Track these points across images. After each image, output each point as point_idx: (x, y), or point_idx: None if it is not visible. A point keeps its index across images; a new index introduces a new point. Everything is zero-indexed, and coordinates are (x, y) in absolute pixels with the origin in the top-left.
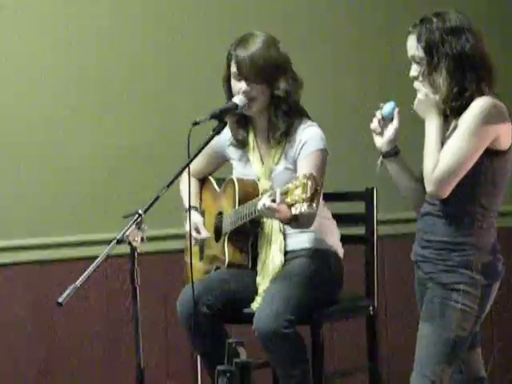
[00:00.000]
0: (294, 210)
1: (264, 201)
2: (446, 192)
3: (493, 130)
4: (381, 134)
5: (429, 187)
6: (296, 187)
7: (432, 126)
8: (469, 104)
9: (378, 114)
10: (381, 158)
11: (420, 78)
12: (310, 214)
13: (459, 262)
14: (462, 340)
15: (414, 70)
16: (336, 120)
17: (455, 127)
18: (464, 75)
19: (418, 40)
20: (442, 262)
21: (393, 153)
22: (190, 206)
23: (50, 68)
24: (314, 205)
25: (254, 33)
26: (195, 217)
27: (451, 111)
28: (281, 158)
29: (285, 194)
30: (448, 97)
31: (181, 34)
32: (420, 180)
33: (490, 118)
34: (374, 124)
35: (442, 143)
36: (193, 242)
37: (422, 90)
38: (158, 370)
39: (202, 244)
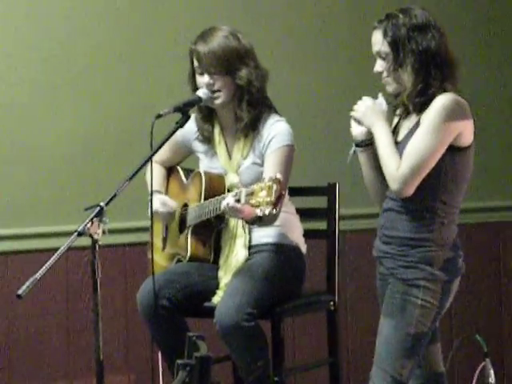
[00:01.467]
0: (258, 212)
1: (228, 200)
2: (411, 190)
3: (455, 127)
4: (360, 122)
5: (394, 186)
6: (261, 189)
7: (384, 130)
8: (431, 100)
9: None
10: (354, 147)
11: (385, 74)
12: (274, 215)
13: (420, 258)
14: (421, 335)
15: (379, 66)
16: (299, 115)
17: (418, 123)
18: (429, 72)
19: (384, 35)
20: (403, 258)
21: (368, 142)
22: (152, 196)
23: (11, 57)
24: (278, 208)
25: (215, 27)
26: (160, 196)
27: (414, 107)
28: (249, 152)
29: (250, 194)
30: (412, 93)
31: (147, 24)
32: None
33: (452, 115)
34: (351, 112)
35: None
36: (162, 217)
37: (362, 103)
38: (118, 362)
39: (171, 218)
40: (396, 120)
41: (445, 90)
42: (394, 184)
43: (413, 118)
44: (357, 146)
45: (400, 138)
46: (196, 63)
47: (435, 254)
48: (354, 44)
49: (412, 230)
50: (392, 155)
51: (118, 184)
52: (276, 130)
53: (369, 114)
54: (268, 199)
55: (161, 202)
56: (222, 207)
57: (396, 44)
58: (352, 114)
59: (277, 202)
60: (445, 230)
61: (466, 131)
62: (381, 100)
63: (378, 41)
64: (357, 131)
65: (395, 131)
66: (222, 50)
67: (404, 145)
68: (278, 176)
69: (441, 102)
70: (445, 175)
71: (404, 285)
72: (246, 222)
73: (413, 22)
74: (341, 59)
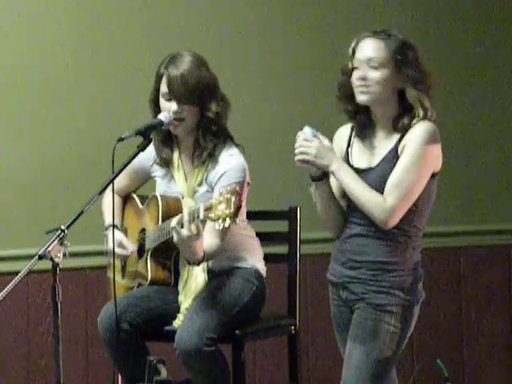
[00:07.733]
0: (218, 226)
1: (172, 222)
2: (398, 220)
3: (437, 152)
4: (307, 162)
5: (382, 217)
6: (220, 202)
7: (345, 169)
8: (412, 120)
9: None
10: (313, 183)
11: (369, 82)
12: (218, 251)
13: (392, 283)
14: (391, 361)
15: (372, 74)
16: (259, 138)
17: (395, 150)
18: (418, 93)
19: (387, 48)
20: (376, 283)
21: (326, 174)
22: (113, 221)
23: None
24: (238, 220)
25: (182, 52)
26: (117, 234)
27: (397, 126)
28: (202, 179)
29: (209, 209)
30: (396, 111)
31: (109, 46)
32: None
33: (434, 143)
34: (300, 156)
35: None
36: (117, 258)
37: (310, 145)
38: None
39: (126, 260)
40: (349, 139)
41: (427, 112)
42: (382, 215)
43: (384, 141)
44: (316, 180)
45: (375, 162)
46: (165, 88)
47: (405, 278)
48: (314, 67)
49: (385, 255)
50: (368, 190)
51: (78, 208)
52: (229, 166)
53: (322, 154)
54: (227, 211)
55: (117, 243)
56: (171, 228)
57: (396, 61)
58: (300, 158)
59: (236, 213)
60: (415, 254)
61: (440, 157)
62: (319, 134)
63: (375, 48)
64: (311, 169)
65: (351, 151)
66: (194, 79)
67: (382, 170)
68: (236, 187)
69: (422, 130)
70: (421, 200)
71: (376, 310)
72: (188, 262)
73: (407, 45)
74: (301, 83)
